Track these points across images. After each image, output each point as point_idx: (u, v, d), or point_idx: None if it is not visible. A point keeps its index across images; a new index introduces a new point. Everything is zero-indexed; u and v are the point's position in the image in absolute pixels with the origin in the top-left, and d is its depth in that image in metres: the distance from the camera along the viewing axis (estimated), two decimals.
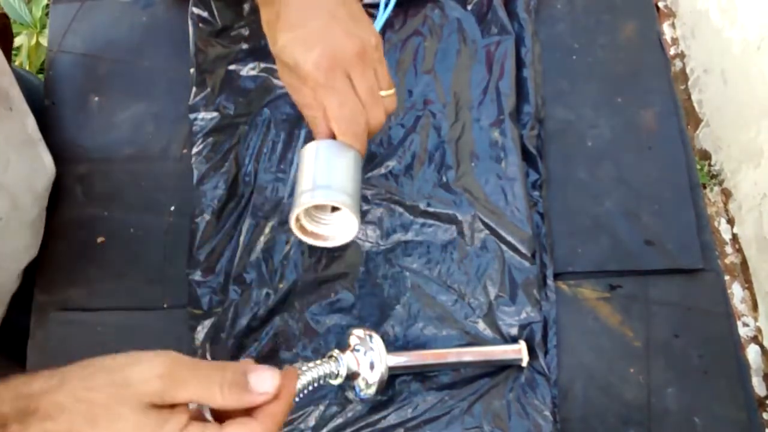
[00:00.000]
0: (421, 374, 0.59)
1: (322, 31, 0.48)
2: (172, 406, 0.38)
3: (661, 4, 1.66)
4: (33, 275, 0.66)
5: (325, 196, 0.49)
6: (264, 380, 0.40)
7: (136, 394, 0.36)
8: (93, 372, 0.37)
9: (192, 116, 0.68)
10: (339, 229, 0.54)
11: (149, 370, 0.37)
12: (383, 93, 0.51)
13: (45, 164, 0.66)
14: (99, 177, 0.69)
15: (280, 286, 0.62)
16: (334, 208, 0.54)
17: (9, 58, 0.65)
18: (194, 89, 0.69)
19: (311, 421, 0.58)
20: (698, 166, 1.48)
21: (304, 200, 0.50)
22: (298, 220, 0.52)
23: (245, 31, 0.71)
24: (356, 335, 0.55)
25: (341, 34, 0.48)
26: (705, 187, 1.48)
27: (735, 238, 1.43)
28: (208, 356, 0.60)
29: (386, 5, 0.66)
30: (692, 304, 0.62)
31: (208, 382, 0.38)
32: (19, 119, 0.63)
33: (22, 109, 0.64)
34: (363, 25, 0.50)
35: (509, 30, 0.70)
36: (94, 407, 0.36)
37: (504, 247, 0.62)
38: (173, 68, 0.72)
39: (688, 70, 1.57)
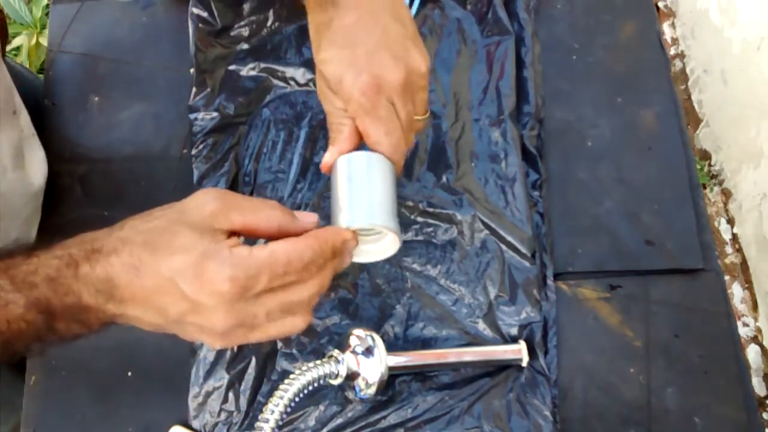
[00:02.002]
0: (421, 374, 0.59)
1: (372, 54, 0.46)
2: (228, 236, 0.40)
3: (661, 4, 1.66)
4: None
5: (385, 222, 0.48)
6: (306, 215, 0.43)
7: (192, 217, 0.39)
8: (152, 211, 0.41)
9: (192, 116, 0.68)
10: (378, 248, 0.53)
11: (203, 197, 0.40)
12: (418, 118, 0.50)
13: (40, 161, 0.65)
14: (99, 177, 0.69)
15: None
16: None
17: (3, 53, 0.65)
18: (194, 89, 0.69)
19: (311, 421, 0.58)
20: (698, 166, 1.48)
21: (361, 220, 0.48)
22: None
23: (245, 31, 0.71)
24: (356, 335, 0.55)
25: (389, 61, 0.46)
26: (705, 187, 1.48)
27: (735, 238, 1.43)
28: (208, 356, 0.60)
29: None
30: (692, 304, 0.62)
31: (261, 205, 0.41)
32: (19, 121, 0.63)
33: (21, 108, 0.64)
34: (413, 48, 0.48)
35: (509, 30, 0.70)
36: (154, 233, 0.39)
37: (504, 247, 0.62)
38: (173, 68, 0.72)
39: (688, 70, 1.57)
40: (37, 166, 0.65)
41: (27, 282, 0.38)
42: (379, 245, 0.53)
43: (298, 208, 0.65)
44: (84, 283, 0.38)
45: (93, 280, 0.38)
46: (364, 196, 0.49)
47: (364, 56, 0.46)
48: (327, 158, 0.49)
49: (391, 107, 0.47)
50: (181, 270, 0.37)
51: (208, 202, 0.40)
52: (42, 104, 0.71)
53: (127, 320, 0.40)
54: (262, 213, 0.41)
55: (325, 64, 0.47)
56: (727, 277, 1.40)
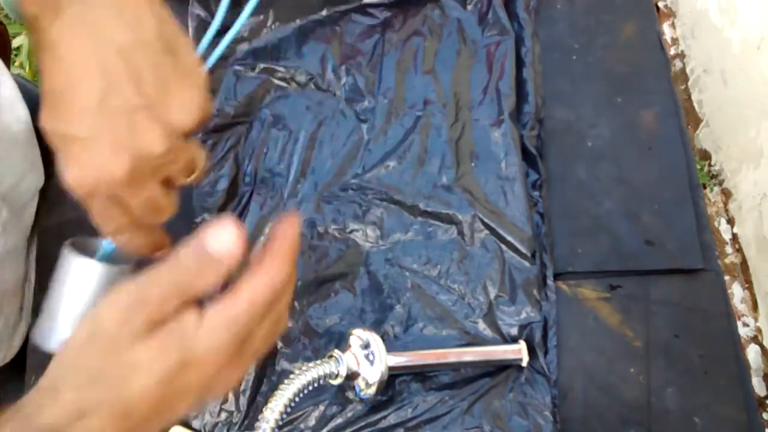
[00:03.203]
0: (421, 374, 0.59)
1: (85, 141, 0.34)
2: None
3: (661, 4, 1.66)
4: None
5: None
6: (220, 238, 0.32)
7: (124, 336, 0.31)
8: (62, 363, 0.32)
9: None
10: None
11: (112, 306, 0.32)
12: (184, 181, 0.38)
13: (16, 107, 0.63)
14: None
15: None
16: None
17: (8, 66, 0.65)
18: None
19: (311, 421, 0.58)
20: (698, 166, 1.48)
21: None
22: None
23: (245, 31, 0.71)
24: (356, 335, 0.55)
25: (106, 149, 0.34)
26: (705, 187, 1.48)
27: (735, 238, 1.43)
28: None
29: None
30: (692, 304, 0.62)
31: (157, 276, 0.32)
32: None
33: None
34: (145, 119, 0.34)
35: (509, 30, 0.70)
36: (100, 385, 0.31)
37: (504, 247, 0.62)
38: None
39: (688, 70, 1.57)
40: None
41: None
42: None
43: (298, 208, 0.65)
44: None
45: None
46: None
47: (78, 144, 0.34)
48: None
49: (112, 201, 0.36)
50: (170, 375, 0.31)
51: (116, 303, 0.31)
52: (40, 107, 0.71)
53: None
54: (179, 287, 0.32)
55: (45, 128, 0.35)
56: (727, 277, 1.40)
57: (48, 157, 0.68)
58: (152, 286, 0.31)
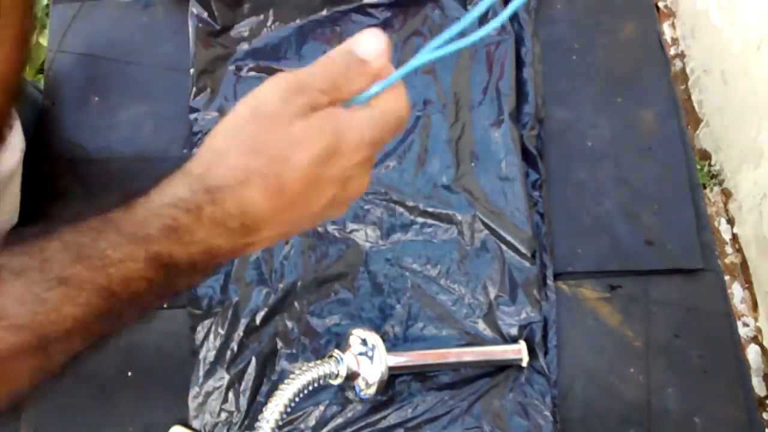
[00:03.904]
0: (421, 374, 0.59)
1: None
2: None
3: (661, 4, 1.66)
4: None
5: None
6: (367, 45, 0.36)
7: (284, 106, 0.34)
8: (222, 129, 0.36)
9: (192, 116, 0.68)
10: None
11: (271, 88, 0.36)
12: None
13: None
14: (99, 177, 0.68)
15: (280, 286, 0.62)
16: None
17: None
18: (194, 89, 0.69)
19: (311, 421, 0.58)
20: (698, 166, 1.47)
21: None
22: None
23: (245, 31, 0.71)
24: (356, 335, 0.55)
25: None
26: (705, 187, 1.48)
27: (735, 238, 1.43)
28: (208, 356, 0.60)
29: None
30: (692, 304, 0.62)
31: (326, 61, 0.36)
32: None
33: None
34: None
35: (509, 30, 0.70)
36: (269, 144, 0.34)
37: (504, 247, 0.63)
38: (173, 68, 0.72)
39: (688, 70, 1.57)
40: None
41: (141, 235, 0.32)
42: None
43: None
44: (212, 227, 0.33)
45: (222, 220, 0.33)
46: None
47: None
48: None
49: None
50: (323, 156, 0.33)
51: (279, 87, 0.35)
52: (41, 106, 0.71)
53: (256, 247, 0.36)
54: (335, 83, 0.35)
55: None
56: (727, 277, 1.40)
57: (48, 159, 0.68)
58: (310, 77, 0.35)
